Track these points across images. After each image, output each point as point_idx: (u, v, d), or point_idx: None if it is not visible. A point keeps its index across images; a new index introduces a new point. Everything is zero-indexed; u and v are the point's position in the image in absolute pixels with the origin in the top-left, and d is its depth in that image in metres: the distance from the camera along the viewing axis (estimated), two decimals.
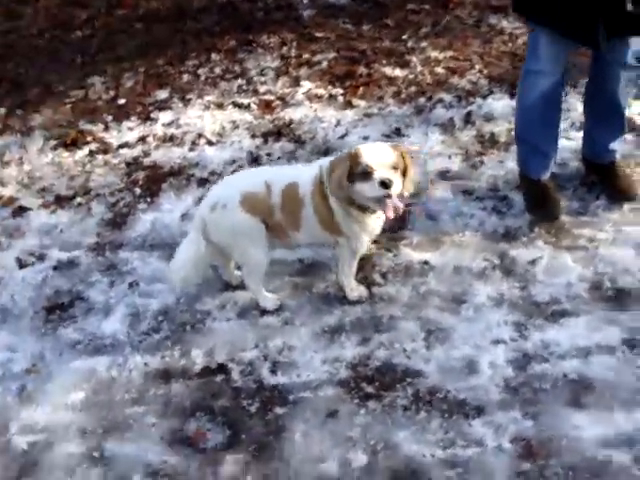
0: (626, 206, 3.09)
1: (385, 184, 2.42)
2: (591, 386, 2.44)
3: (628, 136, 3.46)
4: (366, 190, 2.45)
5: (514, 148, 3.23)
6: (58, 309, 3.01)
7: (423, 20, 4.55)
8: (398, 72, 4.13)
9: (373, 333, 2.70)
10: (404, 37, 4.41)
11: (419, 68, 4.13)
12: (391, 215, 2.48)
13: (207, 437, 2.45)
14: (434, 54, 4.21)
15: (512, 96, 3.73)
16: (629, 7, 2.50)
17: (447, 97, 3.87)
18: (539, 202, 3.06)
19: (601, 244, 2.94)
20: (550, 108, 2.96)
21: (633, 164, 3.30)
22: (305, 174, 2.66)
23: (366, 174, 2.44)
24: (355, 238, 2.70)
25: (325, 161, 2.67)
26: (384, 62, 4.23)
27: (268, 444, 2.39)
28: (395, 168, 2.45)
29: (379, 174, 2.42)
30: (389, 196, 2.43)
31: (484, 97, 3.80)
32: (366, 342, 2.67)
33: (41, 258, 3.29)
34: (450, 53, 4.17)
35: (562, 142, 3.36)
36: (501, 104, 3.73)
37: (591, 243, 2.95)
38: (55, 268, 3.22)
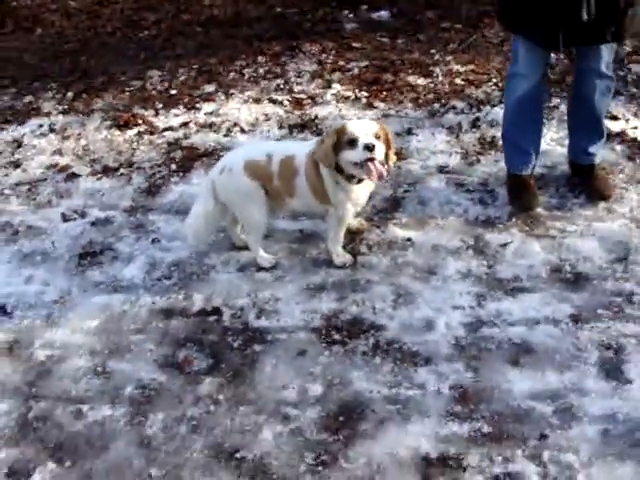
0: (601, 205, 3.37)
1: (369, 147, 2.78)
2: (531, 350, 2.73)
3: (617, 146, 3.74)
4: (352, 156, 2.82)
5: None
6: (89, 256, 3.47)
7: (453, 37, 4.92)
8: (420, 81, 4.50)
9: (349, 293, 3.06)
10: (432, 51, 4.78)
11: (440, 78, 4.49)
12: (375, 179, 2.83)
13: (193, 363, 2.84)
14: (456, 67, 4.56)
15: None
16: (584, 17, 2.82)
17: (460, 104, 4.22)
18: (518, 194, 3.37)
19: (569, 235, 3.22)
20: (530, 108, 3.27)
21: (616, 171, 3.57)
22: (302, 148, 3.07)
23: (352, 141, 2.80)
24: (341, 207, 3.07)
25: (319, 140, 3.07)
26: (410, 72, 4.62)
27: (242, 372, 2.77)
28: (377, 137, 2.82)
29: (363, 140, 2.79)
30: (372, 160, 2.78)
31: (493, 105, 4.12)
32: (342, 300, 3.03)
33: (82, 215, 3.77)
34: (471, 67, 4.51)
35: (555, 147, 3.68)
36: None
37: (561, 234, 3.24)
38: (93, 224, 3.69)
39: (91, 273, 3.37)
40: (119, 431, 2.60)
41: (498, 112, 4.06)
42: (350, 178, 2.97)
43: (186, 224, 3.24)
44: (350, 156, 2.83)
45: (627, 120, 3.91)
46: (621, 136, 3.78)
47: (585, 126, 3.37)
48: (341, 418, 2.55)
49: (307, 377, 2.71)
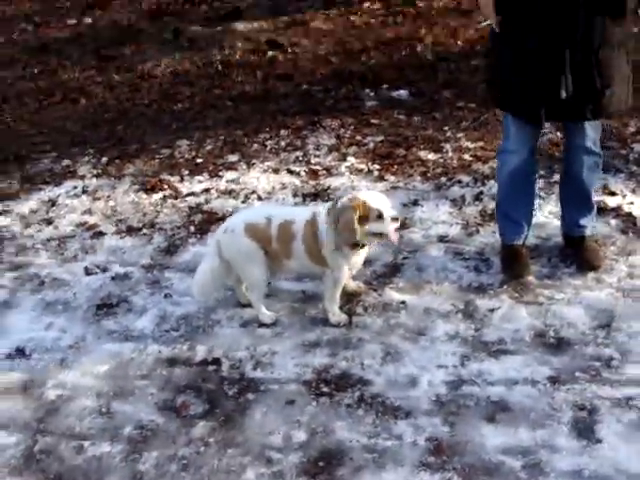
0: (590, 275, 3.51)
1: (396, 219, 3.10)
2: (508, 408, 2.85)
3: (612, 220, 3.90)
4: (381, 228, 3.11)
5: None
6: (106, 307, 3.72)
7: (466, 115, 5.18)
8: (431, 156, 4.75)
9: (341, 349, 3.24)
10: (445, 128, 5.04)
11: (450, 154, 4.74)
12: (396, 241, 3.18)
13: (189, 408, 3.03)
14: (466, 144, 4.81)
15: None
16: (562, 95, 3.05)
17: (466, 178, 4.44)
18: (510, 263, 3.54)
19: (557, 302, 3.37)
20: (521, 182, 3.47)
21: (609, 243, 3.72)
22: (300, 215, 3.32)
23: (379, 215, 3.09)
24: (338, 270, 3.29)
25: (317, 208, 3.33)
26: (422, 147, 4.87)
27: (234, 418, 2.95)
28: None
29: (388, 213, 3.10)
30: (396, 228, 3.12)
31: None
32: (333, 355, 3.21)
33: (104, 270, 4.04)
34: (480, 144, 4.75)
35: (552, 220, 3.86)
36: None
37: (548, 301, 3.39)
38: (112, 278, 3.95)
39: (106, 322, 3.61)
40: (114, 466, 2.79)
41: None
42: (354, 246, 3.19)
43: (193, 280, 3.48)
44: (379, 228, 3.11)
45: (624, 196, 4.07)
46: (617, 211, 3.94)
47: (575, 200, 3.55)
48: (321, 463, 2.70)
49: (293, 425, 2.88)
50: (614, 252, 3.66)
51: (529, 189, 3.53)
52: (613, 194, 4.13)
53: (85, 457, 2.85)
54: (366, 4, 7.32)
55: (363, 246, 3.27)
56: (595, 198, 3.61)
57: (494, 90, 3.41)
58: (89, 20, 8.24)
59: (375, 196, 3.21)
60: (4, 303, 3.84)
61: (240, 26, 7.19)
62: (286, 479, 2.66)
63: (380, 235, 3.18)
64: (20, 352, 3.45)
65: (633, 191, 4.15)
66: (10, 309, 3.78)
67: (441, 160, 4.70)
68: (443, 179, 4.48)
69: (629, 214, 3.93)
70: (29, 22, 8.38)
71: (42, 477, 2.79)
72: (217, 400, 3.05)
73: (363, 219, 3.11)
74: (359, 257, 3.31)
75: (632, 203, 4.02)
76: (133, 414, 3.02)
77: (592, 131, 3.32)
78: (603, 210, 3.99)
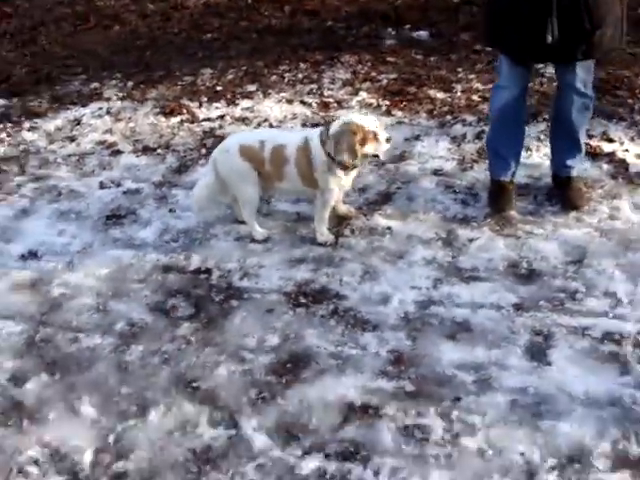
0: (572, 214, 3.63)
1: (389, 139, 3.30)
2: (469, 328, 3.03)
3: (604, 165, 3.99)
4: (377, 148, 3.31)
5: None
6: (114, 218, 3.97)
7: (481, 58, 5.24)
8: (440, 95, 4.85)
9: (324, 266, 3.44)
10: (459, 69, 5.12)
11: (459, 94, 4.83)
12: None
13: (178, 310, 3.29)
14: (477, 85, 4.89)
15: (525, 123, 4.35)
16: (548, 40, 3.13)
17: (470, 118, 4.54)
18: (495, 198, 3.67)
19: (534, 237, 3.51)
20: (511, 119, 3.56)
21: (597, 186, 3.82)
22: (292, 139, 3.50)
23: (375, 137, 3.29)
24: (328, 191, 3.47)
25: (309, 132, 3.50)
26: (433, 86, 4.97)
27: (216, 321, 3.19)
28: None
29: (383, 134, 3.31)
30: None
31: None
32: (315, 271, 3.41)
33: (117, 185, 4.29)
34: (490, 86, 4.80)
35: (545, 161, 3.96)
36: None
37: (527, 235, 3.52)
38: (124, 192, 4.20)
39: (112, 231, 3.87)
40: (104, 356, 3.06)
41: None
42: (346, 168, 3.36)
43: (192, 194, 3.70)
44: (375, 149, 3.33)
45: (622, 143, 4.13)
46: (610, 156, 4.02)
47: (564, 140, 3.64)
48: (288, 365, 2.93)
49: (268, 330, 3.11)
50: (600, 195, 3.76)
51: (518, 126, 3.63)
52: (611, 140, 4.19)
53: (79, 347, 3.12)
54: None
55: (354, 167, 3.43)
56: (584, 140, 3.69)
57: (486, 27, 3.50)
58: None
59: (368, 119, 3.39)
60: (23, 210, 4.12)
61: None
62: (255, 376, 2.89)
63: (374, 155, 3.37)
64: (32, 254, 3.73)
65: (632, 139, 4.20)
66: (28, 216, 4.06)
67: (449, 99, 4.79)
68: (448, 117, 4.59)
69: (622, 160, 4.01)
70: None
71: (40, 361, 3.06)
72: (203, 304, 3.29)
73: (361, 141, 3.27)
74: (349, 178, 3.49)
75: (627, 150, 4.08)
76: (126, 312, 3.29)
77: (583, 72, 3.39)
78: (598, 155, 4.08)
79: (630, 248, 3.39)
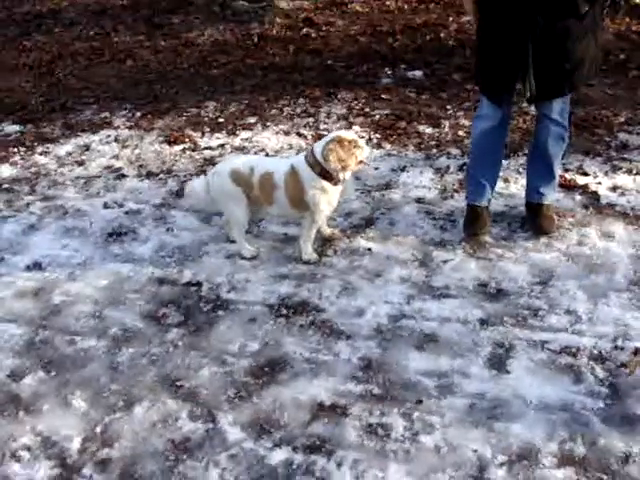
0: (542, 239, 3.86)
1: (367, 142, 3.74)
2: (436, 340, 3.25)
3: (577, 196, 4.23)
4: (360, 153, 3.62)
5: None
6: (115, 235, 4.24)
7: (471, 97, 5.53)
8: (429, 130, 5.14)
9: (306, 282, 3.68)
10: (448, 107, 5.42)
11: (446, 129, 5.11)
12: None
13: (168, 318, 3.53)
14: (463, 121, 5.17)
15: (505, 157, 4.62)
16: (527, 96, 3.46)
17: (455, 151, 4.81)
18: (470, 222, 3.90)
19: (505, 260, 3.73)
20: (488, 147, 3.79)
21: (568, 215, 4.05)
22: (280, 167, 3.75)
23: (356, 145, 3.59)
24: (317, 211, 3.72)
25: (295, 158, 3.78)
26: (422, 122, 5.26)
27: (203, 328, 3.42)
28: None
29: (362, 142, 3.66)
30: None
31: None
32: (298, 286, 3.65)
33: (120, 205, 4.57)
34: None
35: (522, 192, 4.20)
36: None
37: (498, 258, 3.75)
38: (126, 212, 4.47)
39: (113, 247, 4.13)
40: (97, 357, 3.30)
41: None
42: (336, 181, 3.65)
43: (188, 186, 4.02)
44: (359, 155, 3.62)
45: (596, 176, 4.37)
46: (583, 188, 4.26)
47: (538, 167, 3.87)
48: (266, 369, 3.15)
49: (250, 337, 3.34)
50: (571, 223, 4.00)
51: (496, 154, 3.87)
52: (586, 174, 4.44)
53: (75, 348, 3.36)
54: None
55: (343, 180, 3.69)
56: (558, 169, 3.91)
57: (475, 67, 3.80)
58: None
59: (347, 132, 3.75)
60: (31, 226, 4.40)
61: (283, 3, 7.65)
62: (234, 377, 3.12)
63: (360, 162, 3.65)
64: (37, 265, 3.99)
65: (605, 173, 4.45)
66: (35, 231, 4.34)
67: (437, 134, 5.07)
68: (434, 150, 4.86)
69: (594, 192, 4.25)
70: None
71: (38, 360, 3.30)
72: (192, 314, 3.53)
73: (346, 149, 3.56)
74: (336, 195, 3.73)
75: (600, 183, 4.33)
76: (120, 319, 3.53)
77: (559, 104, 3.62)
78: (572, 187, 4.32)
79: (594, 271, 3.61)
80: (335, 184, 3.67)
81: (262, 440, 2.81)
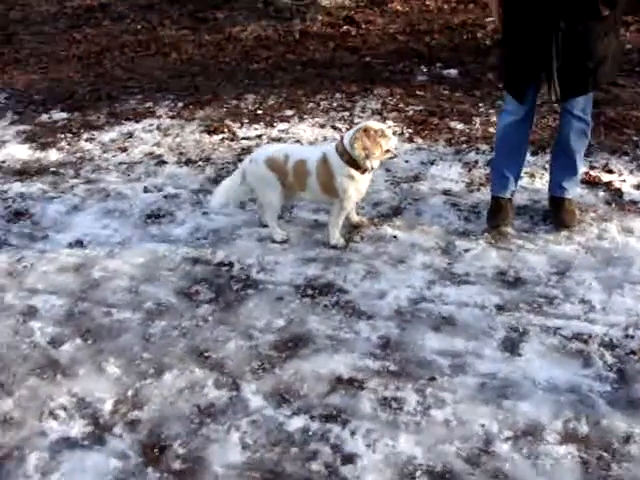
0: (563, 232, 3.97)
1: (395, 132, 3.91)
2: (453, 323, 3.39)
3: (601, 192, 4.32)
4: (388, 143, 3.77)
5: None
6: (154, 217, 4.46)
7: (502, 95, 5.62)
8: (460, 126, 5.26)
9: (332, 265, 3.84)
10: (480, 104, 5.53)
11: (477, 126, 5.23)
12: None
13: (200, 294, 3.73)
14: (494, 119, 5.27)
15: (533, 154, 4.74)
16: (552, 99, 3.62)
17: (484, 147, 4.93)
18: (493, 214, 4.02)
19: (525, 250, 3.85)
20: (512, 141, 3.91)
21: (590, 210, 4.15)
22: (313, 155, 3.93)
23: (383, 134, 3.75)
24: (346, 197, 3.88)
25: (326, 147, 3.95)
26: (454, 118, 5.39)
27: (232, 305, 3.61)
28: None
29: (390, 131, 3.82)
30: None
31: None
32: (324, 269, 3.82)
33: (159, 190, 4.79)
34: None
35: (546, 187, 4.30)
36: None
37: (518, 249, 3.87)
38: (165, 196, 4.69)
39: (150, 228, 4.35)
40: (132, 328, 3.51)
41: None
42: (364, 169, 3.81)
43: (215, 191, 4.17)
44: (386, 144, 3.77)
45: (620, 174, 4.45)
46: (607, 185, 4.35)
47: (561, 162, 3.98)
48: (289, 344, 3.32)
49: (276, 314, 3.51)
50: (592, 218, 4.09)
51: (520, 148, 3.99)
52: (611, 172, 4.52)
53: (111, 319, 3.58)
54: None
55: (371, 168, 3.85)
56: (581, 164, 4.01)
57: (499, 67, 3.92)
58: None
59: (375, 122, 3.89)
60: (74, 206, 4.64)
61: (325, 1, 7.82)
62: (259, 351, 3.30)
63: (386, 151, 3.79)
64: (79, 243, 4.23)
65: (631, 172, 4.52)
66: (78, 212, 4.58)
67: (468, 130, 5.19)
68: (464, 146, 4.99)
69: (618, 189, 4.33)
70: None
71: (76, 330, 3.52)
72: (223, 291, 3.72)
73: (373, 139, 3.72)
74: (365, 182, 3.90)
75: (624, 181, 4.40)
76: (154, 294, 3.74)
77: (583, 100, 3.71)
78: (597, 183, 4.41)
79: (611, 264, 3.71)
80: (363, 172, 3.83)
81: (281, 408, 2.98)
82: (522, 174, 4.41)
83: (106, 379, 3.21)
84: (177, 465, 2.79)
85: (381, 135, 3.72)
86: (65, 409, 3.07)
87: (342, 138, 3.84)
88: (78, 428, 2.97)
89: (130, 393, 3.12)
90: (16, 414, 3.05)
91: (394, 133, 3.84)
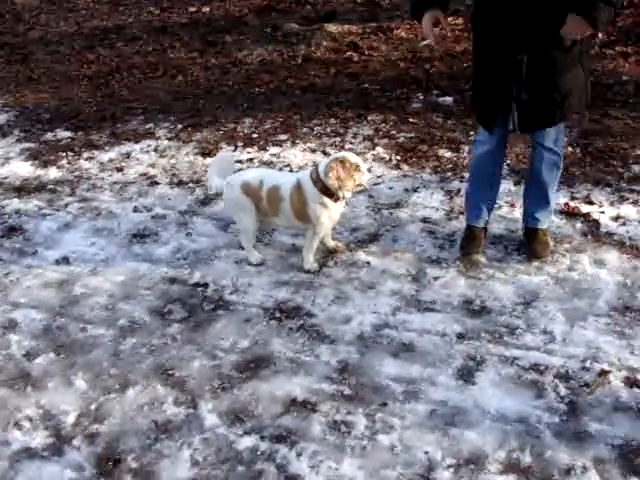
0: (534, 263, 4.01)
1: (369, 170, 3.94)
2: (412, 350, 3.45)
3: (578, 224, 4.36)
4: (360, 178, 3.88)
5: None
6: (139, 237, 4.58)
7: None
8: (448, 154, 5.34)
9: (303, 289, 3.93)
10: (471, 132, 5.59)
11: (464, 154, 5.30)
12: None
13: (172, 314, 3.83)
14: None
15: (515, 184, 4.80)
16: (512, 128, 3.65)
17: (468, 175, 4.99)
18: (465, 242, 4.09)
19: (494, 280, 3.90)
20: (485, 171, 3.96)
21: (565, 241, 4.18)
22: (287, 181, 4.03)
23: (357, 168, 3.85)
24: (319, 224, 3.98)
25: (301, 174, 4.05)
26: (444, 146, 5.46)
27: (201, 325, 3.71)
28: None
29: (364, 167, 3.92)
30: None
31: None
32: (295, 293, 3.90)
33: (149, 210, 4.92)
34: None
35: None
36: (502, 186, 4.77)
37: (488, 278, 3.93)
38: (152, 217, 4.82)
39: (135, 247, 4.47)
40: (103, 344, 3.62)
41: None
42: (336, 198, 3.91)
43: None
44: (359, 178, 3.88)
45: (601, 206, 4.49)
46: (586, 216, 4.38)
47: (533, 193, 4.03)
48: (251, 365, 3.41)
49: (242, 335, 3.61)
50: (566, 249, 4.13)
51: (492, 178, 4.04)
52: (591, 203, 4.55)
53: (85, 335, 3.70)
54: (450, 19, 7.87)
55: (343, 198, 3.95)
56: (554, 195, 4.02)
57: (471, 95, 4.01)
58: (207, 9, 9.31)
59: (351, 155, 3.95)
60: (66, 224, 4.79)
61: (332, 27, 7.96)
62: (221, 370, 3.39)
63: (358, 184, 3.89)
64: (65, 259, 4.37)
65: (611, 203, 4.55)
66: (69, 229, 4.73)
67: (455, 158, 5.27)
68: (449, 174, 5.06)
69: (595, 220, 4.36)
70: (157, 6, 9.57)
71: (51, 344, 3.65)
72: (195, 311, 3.82)
73: (347, 171, 3.82)
74: (338, 209, 3.99)
75: (603, 212, 4.43)
76: (130, 312, 3.85)
77: (553, 131, 3.76)
78: (575, 214, 4.44)
79: (578, 296, 3.74)
80: (335, 201, 3.92)
81: (234, 427, 3.07)
82: (502, 203, 4.49)
83: (73, 392, 3.32)
84: (128, 479, 2.87)
85: (355, 169, 3.81)
86: (30, 420, 3.18)
87: (317, 166, 3.93)
88: (40, 439, 3.09)
89: (93, 407, 3.23)
90: None
91: (368, 169, 3.93)
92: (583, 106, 3.77)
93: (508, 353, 3.39)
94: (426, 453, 2.89)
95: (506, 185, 4.72)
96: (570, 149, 5.19)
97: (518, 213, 4.49)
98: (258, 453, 2.94)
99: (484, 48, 3.66)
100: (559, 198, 4.42)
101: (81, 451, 3.01)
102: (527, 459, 2.85)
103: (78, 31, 9.14)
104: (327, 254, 4.21)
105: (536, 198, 4.03)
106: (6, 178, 5.53)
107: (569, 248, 4.15)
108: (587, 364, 3.30)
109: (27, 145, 6.12)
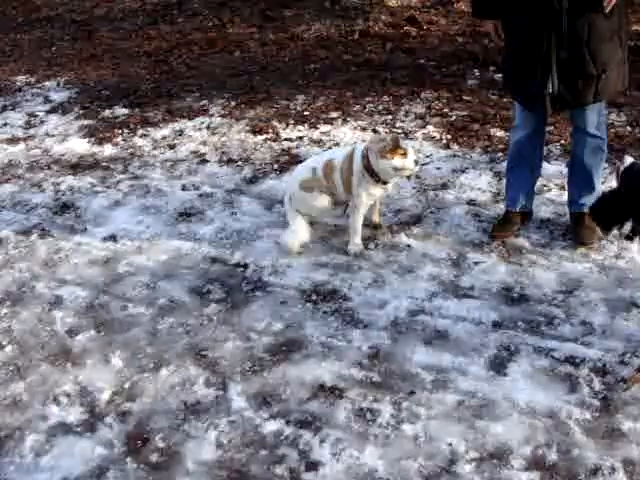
0: (580, 249, 3.89)
1: (416, 161, 3.84)
2: (446, 337, 3.40)
3: None
4: (404, 163, 3.81)
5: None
6: (185, 215, 4.64)
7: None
8: (499, 133, 5.19)
9: (341, 272, 3.91)
10: None
11: None
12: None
13: (210, 294, 3.88)
14: None
15: (567, 165, 4.63)
16: (549, 90, 3.48)
17: None
18: (498, 224, 4.01)
19: (536, 267, 3.80)
20: (522, 156, 3.87)
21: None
22: (340, 153, 4.03)
23: (404, 154, 3.79)
24: (357, 198, 3.95)
25: (358, 146, 4.02)
26: (496, 125, 5.31)
27: (238, 306, 3.74)
28: None
29: (411, 154, 3.83)
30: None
31: (548, 160, 4.70)
32: (332, 275, 3.89)
33: (196, 188, 4.97)
34: (550, 128, 5.10)
35: None
36: (553, 168, 4.63)
37: (530, 264, 3.82)
38: (200, 195, 4.88)
39: (180, 226, 4.53)
40: (142, 323, 3.69)
41: (547, 167, 4.63)
42: (377, 180, 3.89)
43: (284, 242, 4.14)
44: (403, 164, 3.83)
45: None
46: None
47: (577, 179, 3.89)
48: (283, 348, 3.43)
49: (277, 317, 3.62)
50: (614, 235, 3.97)
51: (530, 164, 3.92)
52: None
53: (125, 313, 3.78)
54: None
55: (385, 183, 3.92)
56: (599, 179, 3.88)
57: (502, 74, 3.87)
58: None
59: (404, 142, 3.92)
60: (116, 202, 4.89)
61: (392, 1, 7.81)
62: (253, 352, 3.42)
63: (401, 169, 3.83)
64: (112, 237, 4.46)
65: None
66: (118, 207, 4.82)
67: (506, 138, 5.10)
68: (499, 154, 4.92)
69: None
70: None
71: (92, 321, 3.74)
72: (233, 292, 3.86)
73: (390, 154, 3.77)
74: (377, 190, 3.96)
75: None
76: (170, 291, 3.91)
77: (593, 115, 3.63)
78: None
79: (623, 285, 3.61)
80: (377, 182, 3.88)
81: (261, 411, 3.09)
82: (552, 185, 4.37)
83: (109, 370, 3.41)
84: (154, 458, 2.94)
85: (402, 154, 3.77)
86: (68, 396, 3.28)
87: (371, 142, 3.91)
88: (75, 415, 3.18)
89: (127, 385, 3.31)
90: (25, 397, 3.28)
91: (416, 162, 3.87)
92: (621, 84, 3.58)
93: (543, 344, 3.31)
94: (449, 445, 2.85)
95: (557, 167, 4.58)
96: (629, 128, 4.96)
97: (566, 196, 4.33)
98: (282, 438, 2.96)
99: (518, 17, 3.50)
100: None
101: (112, 429, 3.09)
102: (553, 456, 2.78)
103: (142, 7, 9.24)
104: (368, 236, 4.16)
105: (581, 183, 3.89)
106: (63, 155, 5.67)
107: (618, 234, 3.97)
108: (626, 358, 3.19)
109: (85, 122, 6.25)
